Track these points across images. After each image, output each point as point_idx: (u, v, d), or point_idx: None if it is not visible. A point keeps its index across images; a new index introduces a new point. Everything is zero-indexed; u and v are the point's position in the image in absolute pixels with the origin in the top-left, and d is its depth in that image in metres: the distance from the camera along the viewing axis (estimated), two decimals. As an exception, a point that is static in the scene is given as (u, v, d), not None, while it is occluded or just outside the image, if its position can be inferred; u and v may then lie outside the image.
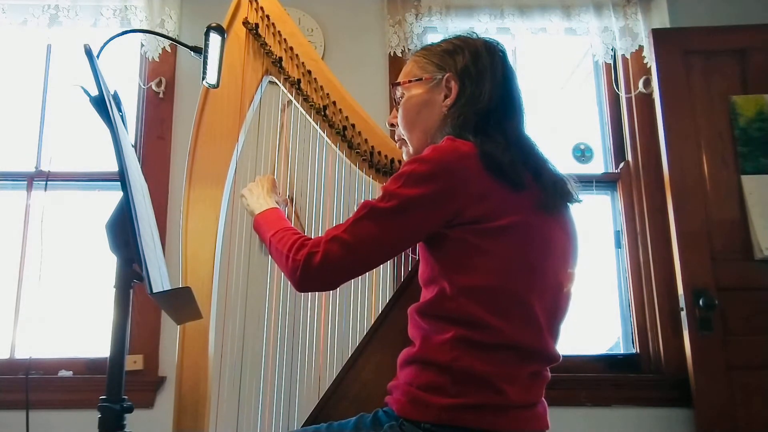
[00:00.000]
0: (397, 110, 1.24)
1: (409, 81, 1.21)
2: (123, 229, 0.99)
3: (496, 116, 1.11)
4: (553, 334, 1.08)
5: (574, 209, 1.15)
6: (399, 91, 1.23)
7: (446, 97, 1.16)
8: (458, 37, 1.22)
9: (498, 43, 1.20)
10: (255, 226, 1.32)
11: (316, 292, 1.82)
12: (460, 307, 1.00)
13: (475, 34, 1.22)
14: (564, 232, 1.10)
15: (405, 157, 1.27)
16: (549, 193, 1.06)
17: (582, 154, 2.65)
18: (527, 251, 1.02)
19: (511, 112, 1.14)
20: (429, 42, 1.28)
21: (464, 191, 1.00)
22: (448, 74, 1.16)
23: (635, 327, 2.49)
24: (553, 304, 1.07)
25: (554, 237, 1.07)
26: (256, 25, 1.61)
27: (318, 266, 1.04)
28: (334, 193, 1.78)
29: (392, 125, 1.28)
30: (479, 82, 1.13)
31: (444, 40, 1.23)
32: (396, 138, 1.28)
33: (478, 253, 1.01)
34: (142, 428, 1.30)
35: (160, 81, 2.54)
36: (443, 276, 1.03)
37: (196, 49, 1.68)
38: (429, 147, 1.05)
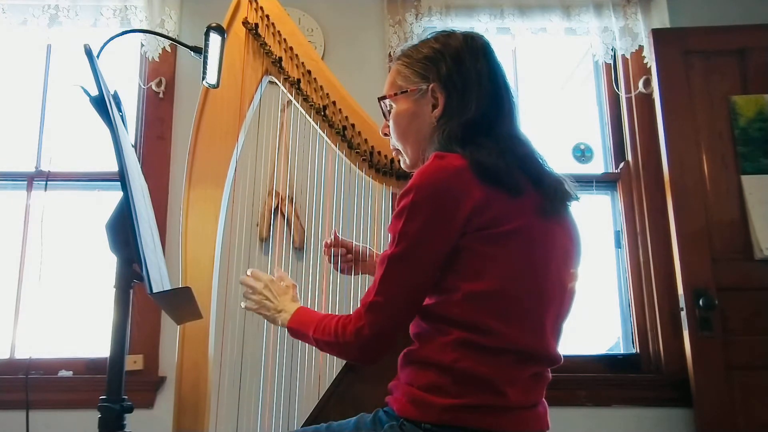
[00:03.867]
0: (388, 121, 1.23)
1: (395, 94, 1.19)
2: (123, 229, 1.00)
3: (486, 121, 1.09)
4: (556, 335, 1.08)
5: (574, 209, 1.14)
6: (387, 103, 1.22)
7: (434, 107, 1.14)
8: (437, 39, 1.18)
9: (480, 37, 1.17)
10: (293, 336, 1.25)
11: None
12: (464, 312, 1.00)
13: (453, 31, 1.18)
14: (566, 233, 1.10)
15: (402, 166, 1.26)
16: (550, 198, 1.05)
17: (582, 154, 2.65)
18: (531, 255, 1.02)
19: (502, 113, 1.12)
20: (408, 44, 1.23)
21: (464, 205, 0.98)
22: (432, 84, 1.13)
23: (635, 327, 2.49)
24: (556, 306, 1.06)
25: (557, 239, 1.07)
26: (256, 25, 1.61)
27: (370, 337, 1.04)
28: (334, 193, 1.79)
29: (386, 134, 1.27)
30: (465, 90, 1.11)
31: (423, 42, 1.19)
32: (391, 147, 1.27)
33: (484, 259, 1.00)
34: (142, 428, 1.30)
35: (160, 81, 2.54)
36: (448, 283, 1.02)
37: (196, 49, 1.68)
38: (416, 172, 1.03)
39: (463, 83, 1.11)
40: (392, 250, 1.02)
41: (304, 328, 1.19)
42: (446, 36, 1.17)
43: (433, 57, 1.15)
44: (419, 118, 1.16)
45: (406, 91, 1.17)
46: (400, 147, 1.22)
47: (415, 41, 1.22)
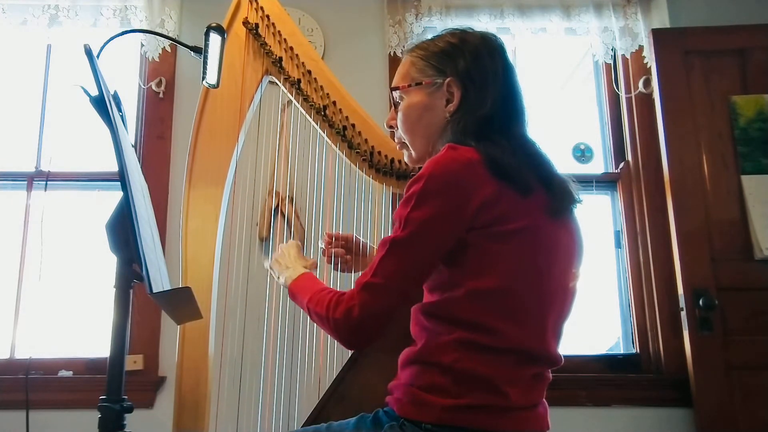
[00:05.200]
0: (396, 112, 1.21)
1: (408, 85, 1.17)
2: (123, 229, 1.00)
3: (499, 119, 1.09)
4: (557, 336, 1.08)
5: (577, 211, 1.15)
6: (397, 94, 1.19)
7: (448, 102, 1.13)
8: (454, 34, 1.17)
9: (496, 37, 1.17)
10: (291, 297, 1.24)
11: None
12: (466, 311, 1.00)
13: (470, 29, 1.18)
14: (570, 234, 1.10)
15: (406, 159, 1.25)
16: (558, 199, 1.05)
17: (582, 154, 2.65)
18: (535, 255, 1.02)
19: (515, 113, 1.13)
20: (423, 38, 1.23)
21: (474, 198, 0.98)
22: (449, 79, 1.12)
23: (635, 327, 2.49)
24: (557, 307, 1.06)
25: (561, 240, 1.07)
26: (256, 25, 1.61)
27: (359, 319, 1.02)
28: (334, 193, 1.78)
29: (391, 127, 1.25)
30: (482, 86, 1.11)
31: (439, 37, 1.19)
32: (396, 140, 1.25)
33: (488, 257, 1.00)
34: (142, 428, 1.30)
35: (160, 81, 2.54)
36: (453, 281, 1.02)
37: (196, 49, 1.68)
38: (429, 161, 1.02)
39: (481, 79, 1.11)
40: (396, 234, 1.01)
41: (303, 294, 1.18)
42: (463, 32, 1.17)
43: (450, 51, 1.15)
44: (431, 111, 1.15)
45: (421, 83, 1.16)
46: (407, 140, 1.20)
47: (429, 36, 1.22)
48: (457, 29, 1.19)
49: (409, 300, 1.05)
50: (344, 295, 1.05)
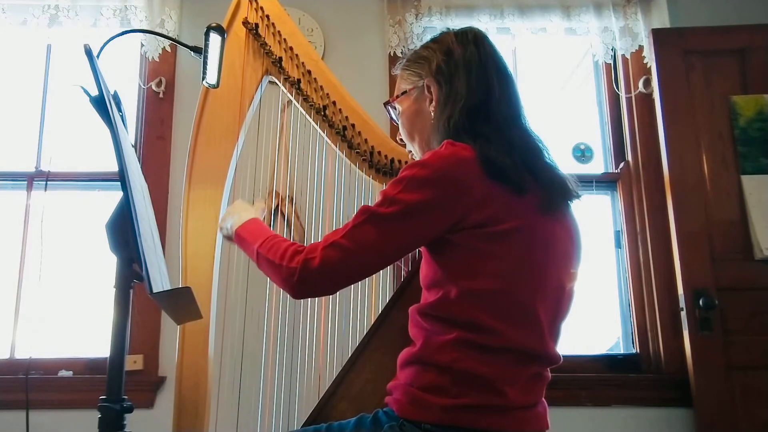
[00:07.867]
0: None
1: (397, 97, 1.23)
2: (123, 229, 0.99)
3: (482, 107, 1.09)
4: (555, 335, 1.08)
5: (575, 208, 1.14)
6: (394, 109, 1.26)
7: (430, 102, 1.16)
8: (434, 39, 1.22)
9: (472, 30, 1.19)
10: (237, 241, 1.24)
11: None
12: (464, 311, 1.00)
13: (449, 29, 1.21)
14: (566, 232, 1.10)
15: None
16: (550, 194, 1.05)
17: (582, 154, 2.65)
18: (531, 255, 1.02)
19: (494, 97, 1.11)
20: (409, 53, 1.28)
21: (466, 197, 0.99)
22: (426, 80, 1.17)
23: (635, 327, 2.49)
24: (555, 306, 1.06)
25: (557, 238, 1.07)
26: (256, 25, 1.61)
27: (316, 271, 1.02)
28: (334, 193, 1.78)
29: (401, 141, 1.30)
30: (452, 77, 1.13)
31: (422, 45, 1.23)
32: (407, 151, 1.31)
33: (482, 257, 1.00)
34: (142, 428, 1.30)
35: (160, 81, 2.54)
36: (447, 280, 1.02)
37: (196, 49, 1.68)
38: (429, 152, 1.04)
39: (450, 72, 1.14)
40: (378, 208, 1.02)
41: (252, 237, 1.17)
42: (440, 34, 1.21)
43: (425, 55, 1.19)
44: (421, 115, 1.19)
45: (406, 91, 1.21)
46: (411, 147, 1.25)
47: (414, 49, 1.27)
48: (437, 34, 1.22)
49: (367, 276, 1.05)
50: (304, 247, 1.05)
